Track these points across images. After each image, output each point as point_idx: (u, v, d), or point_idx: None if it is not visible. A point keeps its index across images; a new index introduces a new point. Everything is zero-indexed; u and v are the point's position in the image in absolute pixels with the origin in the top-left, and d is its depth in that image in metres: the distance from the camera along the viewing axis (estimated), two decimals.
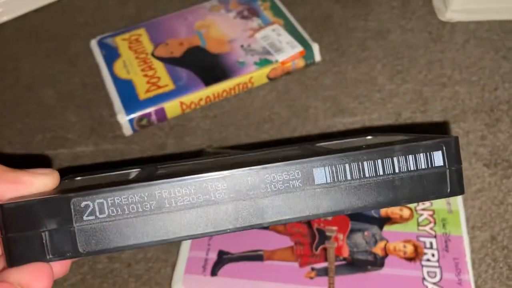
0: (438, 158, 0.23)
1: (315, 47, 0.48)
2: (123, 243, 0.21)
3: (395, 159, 0.22)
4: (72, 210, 0.21)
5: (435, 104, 0.46)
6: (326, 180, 0.22)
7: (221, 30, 0.50)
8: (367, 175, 0.22)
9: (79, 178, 0.30)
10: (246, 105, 0.48)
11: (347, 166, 0.22)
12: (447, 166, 0.23)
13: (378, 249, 0.36)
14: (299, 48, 0.48)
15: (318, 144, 0.30)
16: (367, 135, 0.32)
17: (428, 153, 0.22)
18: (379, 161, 0.22)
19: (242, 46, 0.49)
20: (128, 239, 0.21)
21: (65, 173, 0.30)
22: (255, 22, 0.51)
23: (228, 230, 0.22)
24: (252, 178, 0.22)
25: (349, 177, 0.22)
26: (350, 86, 0.48)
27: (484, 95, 0.46)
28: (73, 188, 0.22)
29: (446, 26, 0.52)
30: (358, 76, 0.49)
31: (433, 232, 0.37)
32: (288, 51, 0.48)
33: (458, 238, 0.36)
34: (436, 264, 0.35)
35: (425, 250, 0.36)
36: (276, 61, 0.47)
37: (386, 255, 0.36)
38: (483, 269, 0.36)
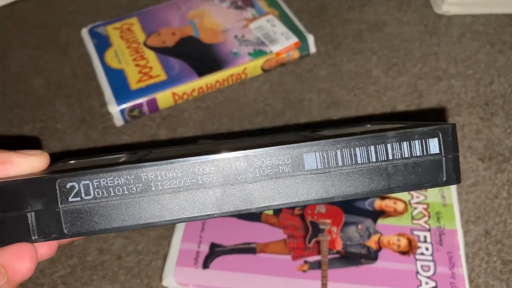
0: (434, 145, 0.22)
1: (310, 39, 0.48)
2: (109, 226, 0.21)
3: (388, 145, 0.22)
4: (58, 191, 0.21)
5: (430, 97, 0.45)
6: (317, 166, 0.22)
7: (214, 20, 0.50)
8: (359, 161, 0.22)
9: (72, 161, 0.29)
10: (240, 96, 0.47)
11: (338, 152, 0.22)
12: (443, 154, 0.22)
13: (371, 243, 0.36)
14: (294, 39, 0.47)
15: (315, 132, 0.29)
16: (366, 123, 0.32)
17: (423, 140, 0.22)
18: (372, 147, 0.22)
19: (236, 36, 0.48)
20: (114, 222, 0.21)
21: (59, 157, 0.30)
22: (249, 12, 0.50)
23: (215, 215, 0.21)
24: (241, 163, 0.21)
25: (340, 163, 0.22)
26: (345, 78, 0.47)
27: (480, 89, 0.46)
28: (59, 169, 0.21)
29: (442, 19, 0.52)
30: (353, 69, 0.48)
31: (427, 226, 0.36)
32: (282, 42, 0.47)
33: (452, 232, 0.36)
34: (430, 258, 0.35)
35: (419, 244, 0.35)
36: (271, 52, 0.47)
37: (379, 248, 0.35)
38: (476, 263, 0.36)
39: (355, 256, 0.35)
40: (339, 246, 0.36)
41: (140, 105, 0.44)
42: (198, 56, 0.47)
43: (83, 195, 0.21)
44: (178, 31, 0.49)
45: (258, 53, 0.46)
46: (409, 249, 0.35)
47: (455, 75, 0.47)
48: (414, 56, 0.49)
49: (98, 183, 0.21)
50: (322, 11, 0.53)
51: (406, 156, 0.22)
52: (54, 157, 0.25)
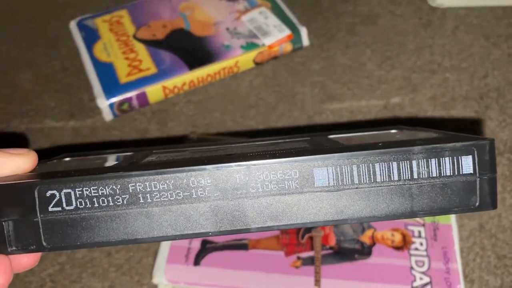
0: (467, 164, 0.19)
1: (303, 31, 0.47)
2: (91, 240, 0.19)
3: (414, 162, 0.19)
4: (37, 199, 0.19)
5: (424, 91, 0.45)
6: (329, 182, 0.19)
7: (206, 12, 0.49)
8: (378, 179, 0.19)
9: (68, 159, 0.28)
10: (232, 90, 0.46)
11: (354, 167, 0.19)
12: (477, 175, 0.19)
13: (365, 238, 0.35)
14: (286, 32, 0.47)
15: (331, 136, 0.27)
16: (392, 128, 0.29)
17: (455, 158, 0.19)
18: (395, 164, 0.19)
19: (227, 29, 0.47)
20: (97, 236, 0.19)
21: (49, 153, 0.29)
22: (241, 5, 0.49)
23: (210, 234, 0.19)
24: (241, 175, 0.19)
25: (356, 181, 0.19)
26: (339, 71, 0.47)
27: (474, 82, 0.45)
28: (40, 174, 0.20)
29: (436, 12, 0.51)
30: (347, 62, 0.47)
31: (421, 221, 0.36)
32: (275, 35, 0.46)
33: (446, 227, 0.36)
34: (424, 253, 0.34)
35: (414, 239, 0.35)
36: (263, 45, 0.46)
37: (373, 243, 0.35)
38: (471, 257, 0.36)
39: (349, 252, 0.35)
40: (332, 241, 0.35)
41: (130, 99, 0.44)
42: (189, 49, 0.46)
43: (64, 204, 0.19)
44: (169, 23, 0.48)
45: (250, 46, 0.46)
46: (403, 244, 0.35)
47: (450, 69, 0.46)
48: (408, 49, 0.48)
49: (80, 192, 0.19)
50: (316, 4, 0.52)
51: (434, 175, 0.19)
52: (45, 153, 0.24)
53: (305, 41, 0.48)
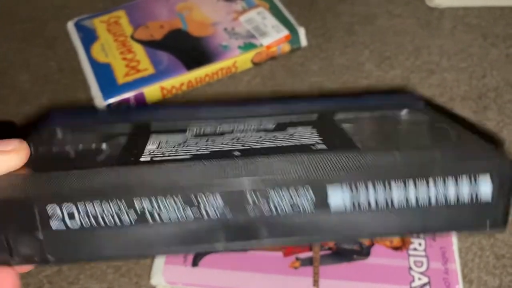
0: (485, 185, 0.19)
1: (301, 32, 0.47)
2: (96, 255, 0.19)
3: (430, 180, 0.19)
4: (37, 216, 0.19)
5: (422, 91, 0.45)
6: (346, 208, 0.19)
7: (203, 12, 0.49)
8: (396, 205, 0.19)
9: (60, 132, 0.26)
10: (230, 90, 0.46)
11: (371, 192, 0.19)
12: (494, 198, 0.19)
13: None
14: (284, 32, 0.46)
15: (337, 118, 0.26)
16: (403, 108, 0.27)
17: (472, 176, 0.19)
18: (411, 183, 0.19)
19: (225, 29, 0.47)
20: (103, 250, 0.19)
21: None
22: (239, 5, 0.49)
23: (220, 250, 0.19)
24: (254, 198, 0.19)
25: (374, 207, 0.19)
26: (337, 72, 0.47)
27: (472, 83, 0.45)
28: (40, 188, 0.19)
29: (434, 12, 0.51)
30: (345, 62, 0.47)
31: None
32: (273, 35, 0.46)
33: None
34: (423, 253, 0.34)
35: (412, 239, 0.35)
36: (261, 45, 0.46)
37: (372, 244, 0.35)
38: (469, 258, 0.36)
39: (347, 252, 0.35)
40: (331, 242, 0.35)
41: (128, 99, 0.43)
42: (187, 49, 0.46)
43: (66, 219, 0.19)
44: (166, 24, 0.48)
45: (248, 46, 0.46)
46: (402, 245, 0.35)
47: (448, 69, 0.46)
48: (407, 49, 0.48)
49: (84, 209, 0.19)
50: (313, 4, 0.52)
51: (451, 196, 0.19)
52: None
53: (303, 42, 0.48)
